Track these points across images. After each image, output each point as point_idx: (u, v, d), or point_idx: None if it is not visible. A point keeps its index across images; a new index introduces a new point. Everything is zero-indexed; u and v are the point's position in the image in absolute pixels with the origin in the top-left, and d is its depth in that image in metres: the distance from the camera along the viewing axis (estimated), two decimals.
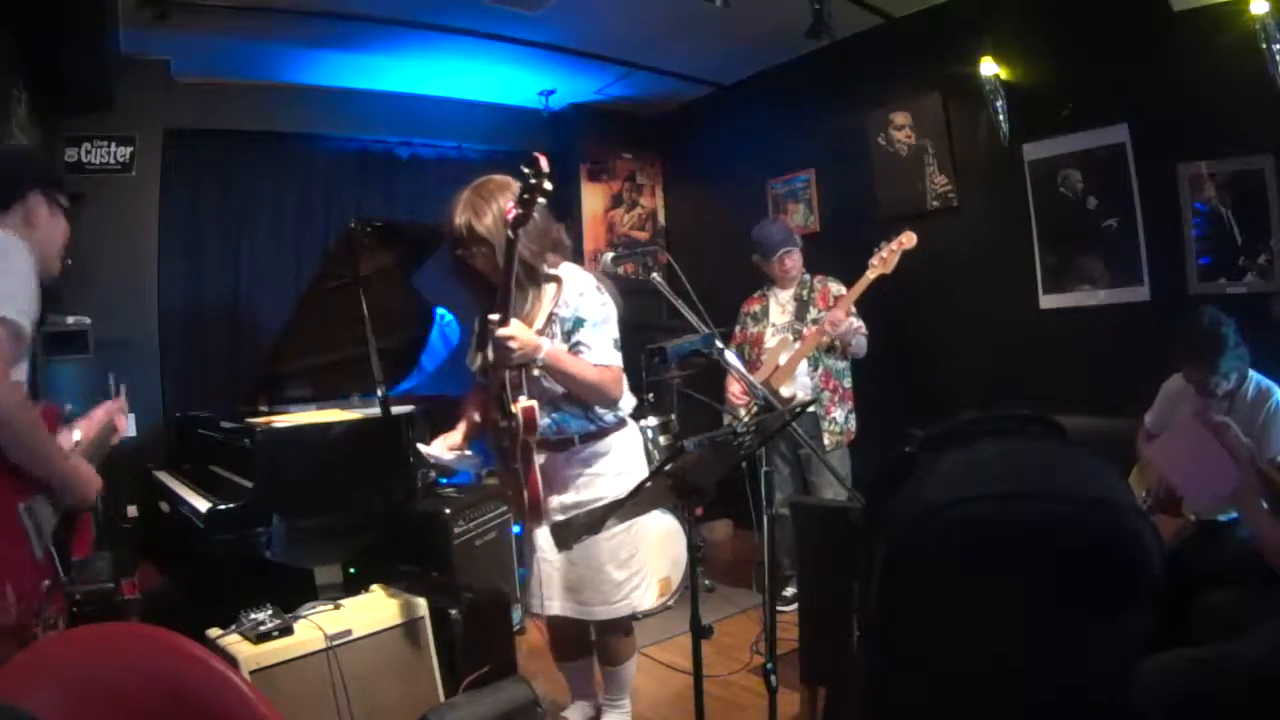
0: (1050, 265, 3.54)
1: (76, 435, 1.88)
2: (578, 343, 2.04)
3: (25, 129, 3.13)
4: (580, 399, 2.08)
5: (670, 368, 3.64)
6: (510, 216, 1.80)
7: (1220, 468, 1.88)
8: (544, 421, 2.05)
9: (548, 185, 1.75)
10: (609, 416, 2.16)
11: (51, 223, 1.79)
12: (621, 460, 2.19)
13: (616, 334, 2.11)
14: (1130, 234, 3.28)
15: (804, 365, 3.48)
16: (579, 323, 2.04)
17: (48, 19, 2.72)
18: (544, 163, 1.73)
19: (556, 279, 2.08)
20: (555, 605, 2.22)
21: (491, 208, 1.95)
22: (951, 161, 3.86)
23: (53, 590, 1.63)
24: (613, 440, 2.18)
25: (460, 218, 1.97)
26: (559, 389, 2.06)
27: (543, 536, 2.20)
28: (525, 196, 1.76)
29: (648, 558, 2.30)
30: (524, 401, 1.97)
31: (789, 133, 4.60)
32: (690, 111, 5.23)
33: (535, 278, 2.05)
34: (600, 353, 2.04)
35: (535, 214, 1.84)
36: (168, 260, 3.90)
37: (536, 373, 2.01)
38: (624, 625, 2.32)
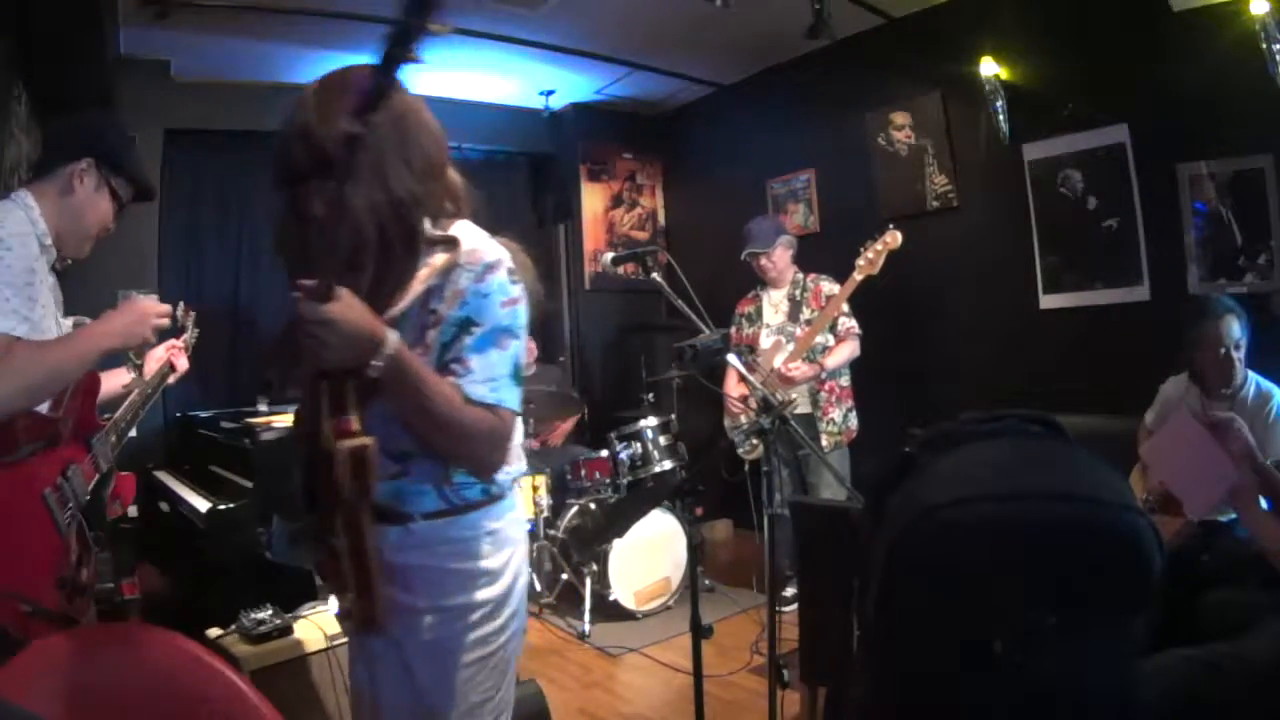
0: (1050, 265, 3.55)
1: (131, 375, 1.88)
2: (455, 358, 1.16)
3: (25, 129, 3.12)
4: (432, 449, 1.19)
5: (701, 366, 3.62)
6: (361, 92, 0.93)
7: (1216, 468, 1.87)
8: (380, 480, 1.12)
9: (435, 29, 0.84)
10: (475, 490, 1.24)
11: (91, 198, 1.61)
12: (487, 560, 1.24)
13: (521, 356, 1.22)
14: (1130, 234, 3.28)
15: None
16: (466, 325, 1.16)
17: (48, 19, 2.72)
18: None
19: (451, 240, 1.19)
20: None
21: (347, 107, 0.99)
22: (951, 161, 3.86)
23: (81, 565, 1.58)
24: (477, 523, 1.24)
25: (297, 117, 1.17)
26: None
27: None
28: (393, 51, 0.86)
29: (510, 698, 1.32)
30: (353, 436, 1.07)
31: (788, 133, 4.60)
32: (690, 111, 5.24)
33: (414, 244, 1.15)
34: (483, 383, 1.15)
35: (401, 105, 1.08)
36: (168, 260, 3.89)
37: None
38: None
